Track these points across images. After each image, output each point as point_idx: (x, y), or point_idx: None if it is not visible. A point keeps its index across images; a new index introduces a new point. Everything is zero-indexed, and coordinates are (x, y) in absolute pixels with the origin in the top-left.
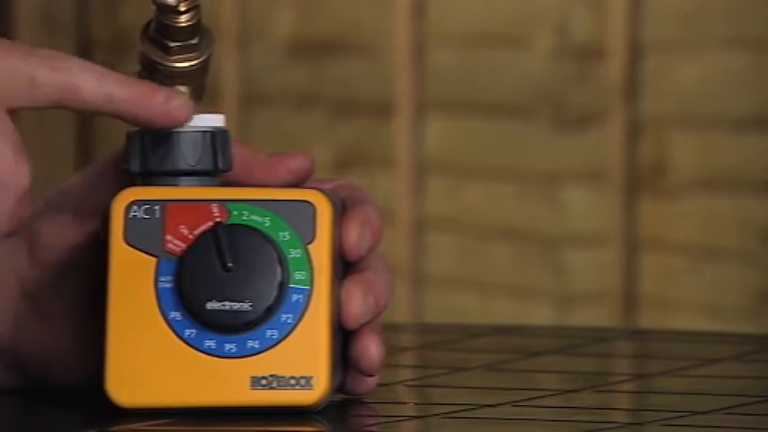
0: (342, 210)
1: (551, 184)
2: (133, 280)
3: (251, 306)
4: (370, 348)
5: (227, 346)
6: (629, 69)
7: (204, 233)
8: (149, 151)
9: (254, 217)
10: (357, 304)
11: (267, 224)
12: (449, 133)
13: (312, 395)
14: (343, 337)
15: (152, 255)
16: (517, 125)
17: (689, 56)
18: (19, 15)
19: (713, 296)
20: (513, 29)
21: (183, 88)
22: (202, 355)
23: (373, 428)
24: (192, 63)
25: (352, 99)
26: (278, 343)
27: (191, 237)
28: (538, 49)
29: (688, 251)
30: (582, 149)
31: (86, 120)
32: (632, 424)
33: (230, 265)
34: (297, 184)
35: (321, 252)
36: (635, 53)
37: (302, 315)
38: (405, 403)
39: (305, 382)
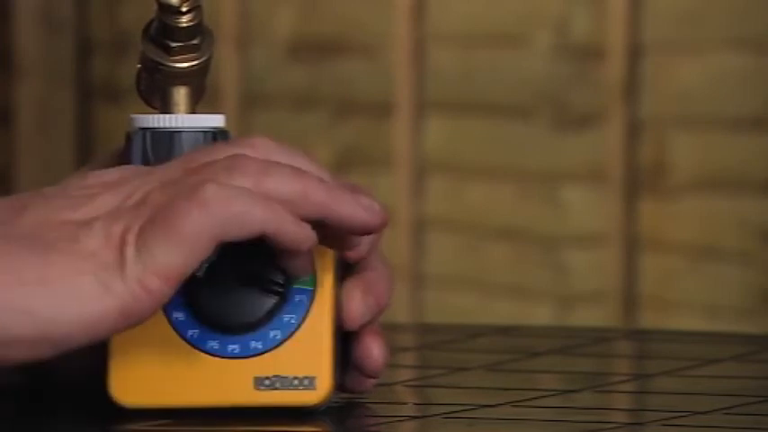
0: None
1: (551, 184)
2: None
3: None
4: (373, 350)
5: (231, 347)
6: (629, 69)
7: None
8: (150, 152)
9: None
10: (357, 305)
11: None
12: (449, 133)
13: (315, 395)
14: (343, 336)
15: None
16: (517, 125)
17: (689, 56)
18: (19, 15)
19: (713, 296)
20: (513, 29)
21: (183, 89)
22: (205, 355)
23: (373, 429)
24: (193, 63)
25: (352, 99)
26: (281, 343)
27: None
28: (538, 49)
29: (688, 251)
30: (582, 149)
31: (86, 119)
32: (632, 424)
33: None
34: None
35: (324, 253)
36: (635, 53)
37: (305, 316)
38: (405, 403)
39: (308, 383)
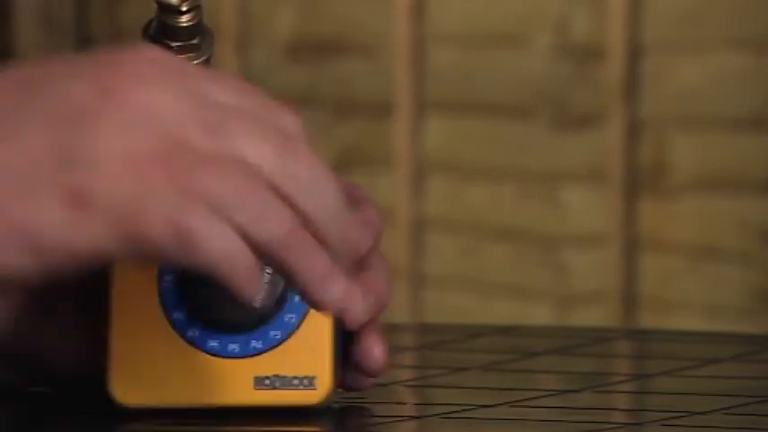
0: None
1: (551, 184)
2: (136, 279)
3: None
4: (374, 350)
5: (231, 346)
6: (629, 69)
7: None
8: None
9: None
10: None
11: None
12: (449, 133)
13: (315, 395)
14: (343, 336)
15: None
16: (517, 125)
17: (689, 56)
18: (19, 15)
19: (713, 296)
20: (513, 29)
21: None
22: (206, 354)
23: (373, 429)
24: (193, 63)
25: (352, 99)
26: (281, 343)
27: None
28: (538, 49)
29: (688, 251)
30: (582, 149)
31: None
32: (631, 424)
33: None
34: None
35: None
36: (635, 53)
37: (305, 315)
38: (404, 403)
39: (308, 382)
